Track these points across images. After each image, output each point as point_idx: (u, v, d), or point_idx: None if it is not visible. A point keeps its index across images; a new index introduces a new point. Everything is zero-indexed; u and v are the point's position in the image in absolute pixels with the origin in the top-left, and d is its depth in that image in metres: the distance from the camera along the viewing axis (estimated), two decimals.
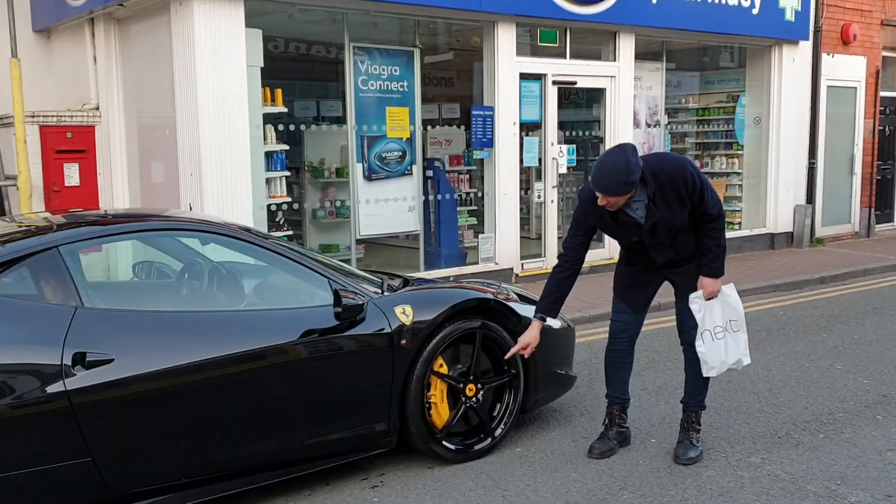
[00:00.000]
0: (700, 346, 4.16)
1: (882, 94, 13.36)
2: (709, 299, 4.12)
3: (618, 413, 4.43)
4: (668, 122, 11.83)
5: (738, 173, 12.51)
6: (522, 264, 9.67)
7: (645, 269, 4.24)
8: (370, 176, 8.80)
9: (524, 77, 9.40)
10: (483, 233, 9.66)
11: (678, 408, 4.50)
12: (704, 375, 4.22)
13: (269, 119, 8.01)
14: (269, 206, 8.03)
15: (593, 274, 9.38)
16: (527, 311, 4.49)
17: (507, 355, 4.19)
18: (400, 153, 8.96)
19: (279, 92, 7.95)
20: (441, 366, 4.16)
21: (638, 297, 4.31)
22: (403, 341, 3.95)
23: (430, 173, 9.52)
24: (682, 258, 4.14)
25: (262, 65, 7.68)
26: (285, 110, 8.03)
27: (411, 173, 9.06)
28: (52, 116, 8.53)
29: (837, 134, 12.92)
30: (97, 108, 8.71)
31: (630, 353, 4.40)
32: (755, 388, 5.60)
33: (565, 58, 9.76)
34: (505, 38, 9.07)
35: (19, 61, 8.08)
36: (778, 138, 12.03)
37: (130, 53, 8.36)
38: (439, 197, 9.54)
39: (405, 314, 3.98)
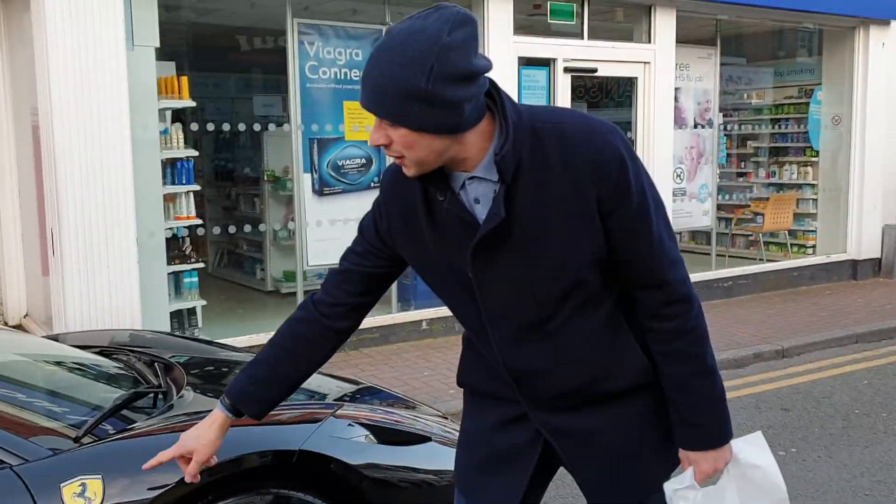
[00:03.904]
0: None
1: None
2: (704, 482, 1.79)
3: None
4: (724, 123, 9.57)
5: (813, 185, 10.17)
6: None
7: (503, 404, 1.82)
8: (321, 190, 6.84)
9: (526, 63, 7.31)
10: None
11: None
12: None
13: (166, 115, 6.12)
14: (171, 230, 6.12)
15: None
16: (399, 458, 2.47)
17: (147, 465, 1.83)
18: (363, 161, 6.97)
19: (184, 81, 6.04)
20: None
21: (499, 488, 1.82)
22: None
23: None
24: (576, 380, 1.73)
25: (157, 44, 5.79)
26: (192, 104, 6.11)
27: (378, 187, 7.05)
28: None
29: None
30: None
31: None
32: None
33: (582, 38, 7.61)
34: (497, 9, 6.98)
35: None
36: (862, 141, 9.61)
37: (17, 34, 6.58)
38: None
39: (83, 498, 1.98)
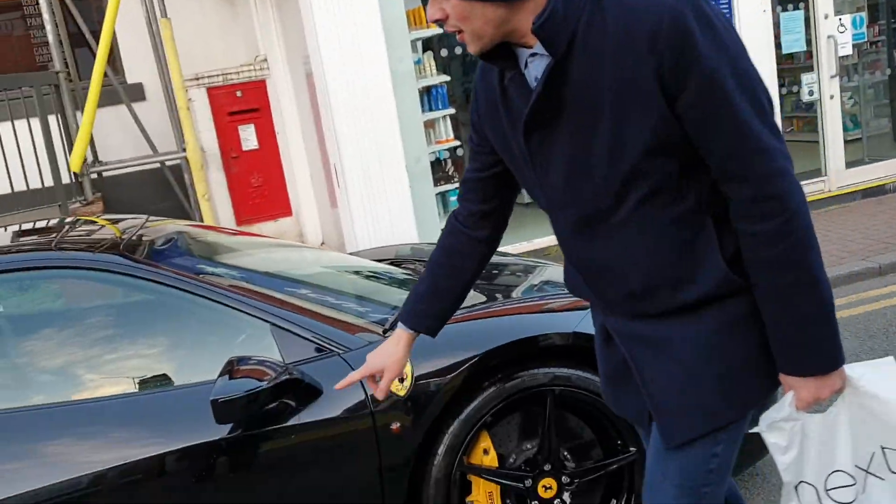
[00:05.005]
0: None
1: None
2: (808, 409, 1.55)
3: None
4: None
5: None
6: None
7: (598, 314, 1.80)
8: None
9: None
10: None
11: None
12: None
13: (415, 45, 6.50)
14: (433, 154, 6.56)
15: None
16: None
17: (339, 385, 1.95)
18: None
19: (422, 11, 6.37)
20: (486, 452, 2.50)
21: (628, 400, 1.79)
22: (395, 424, 2.35)
23: None
24: (644, 280, 1.58)
25: None
26: (439, 31, 6.42)
27: None
28: (218, 76, 7.81)
29: None
30: (265, 60, 7.84)
31: None
32: None
33: None
34: None
35: (169, 21, 7.37)
36: None
37: None
38: None
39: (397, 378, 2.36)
